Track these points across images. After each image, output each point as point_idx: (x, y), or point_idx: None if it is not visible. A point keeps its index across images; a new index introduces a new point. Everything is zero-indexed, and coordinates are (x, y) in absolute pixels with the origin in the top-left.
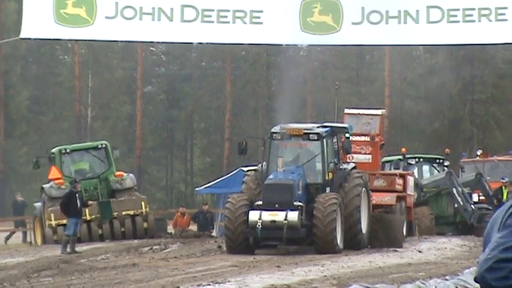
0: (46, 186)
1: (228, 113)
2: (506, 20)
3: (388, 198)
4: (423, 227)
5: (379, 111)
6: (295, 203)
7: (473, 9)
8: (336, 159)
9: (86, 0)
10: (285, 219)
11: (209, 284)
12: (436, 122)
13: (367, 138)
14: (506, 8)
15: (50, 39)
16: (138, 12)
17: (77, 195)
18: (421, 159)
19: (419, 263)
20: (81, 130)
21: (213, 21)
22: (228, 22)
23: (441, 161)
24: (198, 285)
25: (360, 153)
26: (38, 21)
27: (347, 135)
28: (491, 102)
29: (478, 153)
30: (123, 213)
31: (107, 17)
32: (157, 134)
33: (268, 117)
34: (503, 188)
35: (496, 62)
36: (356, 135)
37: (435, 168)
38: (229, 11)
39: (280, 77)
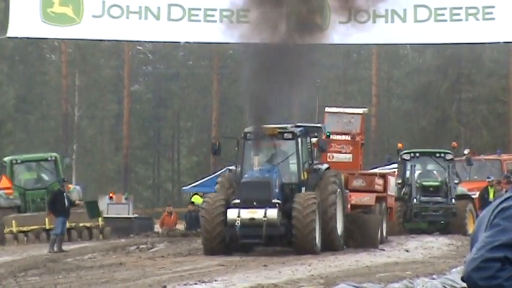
0: None
1: (214, 112)
2: (493, 19)
3: (367, 199)
4: None
5: (360, 110)
6: (273, 200)
7: (461, 8)
8: (310, 159)
9: None
10: (264, 217)
11: (196, 283)
12: (423, 121)
13: (348, 137)
14: (493, 7)
15: (36, 38)
16: (125, 11)
17: (64, 194)
18: (417, 154)
19: (406, 262)
20: (68, 129)
21: (200, 20)
22: (215, 21)
23: (442, 154)
24: (185, 285)
25: (340, 152)
26: (25, 20)
27: (327, 134)
28: (478, 101)
29: (466, 152)
30: (81, 224)
31: (93, 16)
32: (144, 133)
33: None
34: (489, 187)
35: (483, 61)
36: (337, 134)
37: (438, 163)
38: (216, 10)
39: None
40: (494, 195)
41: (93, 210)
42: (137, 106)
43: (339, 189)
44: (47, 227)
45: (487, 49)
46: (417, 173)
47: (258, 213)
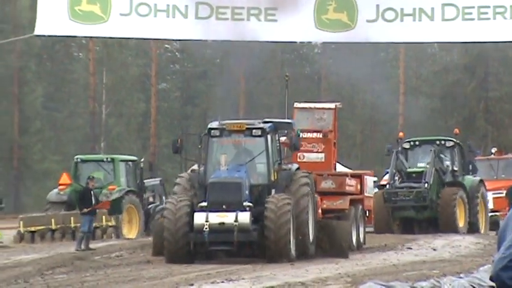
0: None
1: (242, 110)
2: None
3: (340, 202)
4: None
5: (332, 105)
6: (244, 203)
7: (488, 6)
8: (279, 159)
9: None
10: (235, 221)
11: (223, 282)
12: (450, 119)
13: (320, 135)
14: None
15: (64, 36)
16: (152, 9)
17: (91, 192)
18: (417, 143)
19: (433, 260)
20: (96, 127)
21: (227, 19)
22: (243, 19)
23: (443, 142)
24: (212, 283)
25: (311, 151)
26: (53, 18)
27: (297, 132)
28: (505, 99)
29: (493, 150)
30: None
31: (121, 14)
32: (171, 131)
33: (282, 115)
34: None
35: (510, 60)
36: (307, 131)
37: (440, 152)
38: (244, 8)
39: (294, 74)
40: None
41: (117, 206)
42: (165, 104)
43: (311, 192)
44: (53, 227)
45: None
46: (411, 161)
47: (228, 217)
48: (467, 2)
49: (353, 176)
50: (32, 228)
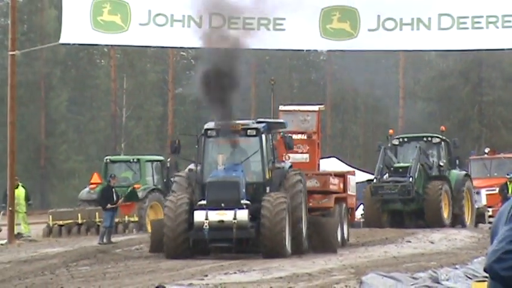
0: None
1: (252, 114)
2: None
3: (326, 200)
4: None
5: (316, 107)
6: (242, 201)
7: (482, 16)
8: (273, 157)
9: (121, 8)
10: (234, 219)
11: (235, 273)
12: (446, 122)
13: (304, 137)
14: None
15: (87, 44)
16: (169, 19)
17: (113, 189)
18: (406, 139)
19: (431, 253)
20: (117, 129)
21: (239, 28)
22: (253, 29)
23: (430, 139)
24: (225, 274)
25: (296, 152)
26: (77, 28)
27: (282, 134)
28: (498, 103)
29: (486, 150)
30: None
31: (140, 24)
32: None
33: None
34: (508, 183)
35: (503, 66)
36: (292, 133)
37: (427, 148)
38: (254, 18)
39: (301, 80)
40: None
41: (133, 195)
42: (181, 108)
43: (303, 189)
44: (79, 221)
45: (507, 55)
46: (400, 157)
47: (227, 215)
48: (462, 12)
49: (336, 175)
50: (60, 222)
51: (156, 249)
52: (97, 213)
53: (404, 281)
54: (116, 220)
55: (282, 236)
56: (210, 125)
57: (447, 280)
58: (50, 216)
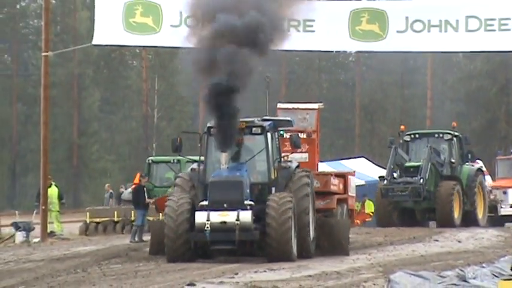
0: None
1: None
2: None
3: (328, 202)
4: None
5: (315, 105)
6: (245, 202)
7: (509, 18)
8: (279, 156)
9: (153, 9)
10: (237, 220)
11: (265, 271)
12: (474, 122)
13: (304, 135)
14: None
15: (119, 45)
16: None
17: (144, 188)
18: (417, 135)
19: (458, 251)
20: (148, 129)
21: None
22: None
23: (441, 135)
24: (255, 272)
25: (295, 151)
26: (109, 29)
27: (281, 133)
28: None
29: None
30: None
31: (172, 26)
32: None
33: None
34: None
35: None
36: (291, 132)
37: (438, 145)
38: (284, 19)
39: (330, 80)
40: None
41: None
42: None
43: (310, 191)
44: (115, 219)
45: None
46: (412, 154)
47: (229, 216)
48: (489, 14)
49: (337, 175)
50: (97, 220)
51: (156, 251)
52: (132, 212)
53: (431, 280)
54: (150, 218)
55: (289, 236)
56: (212, 123)
57: (474, 278)
58: (88, 214)
